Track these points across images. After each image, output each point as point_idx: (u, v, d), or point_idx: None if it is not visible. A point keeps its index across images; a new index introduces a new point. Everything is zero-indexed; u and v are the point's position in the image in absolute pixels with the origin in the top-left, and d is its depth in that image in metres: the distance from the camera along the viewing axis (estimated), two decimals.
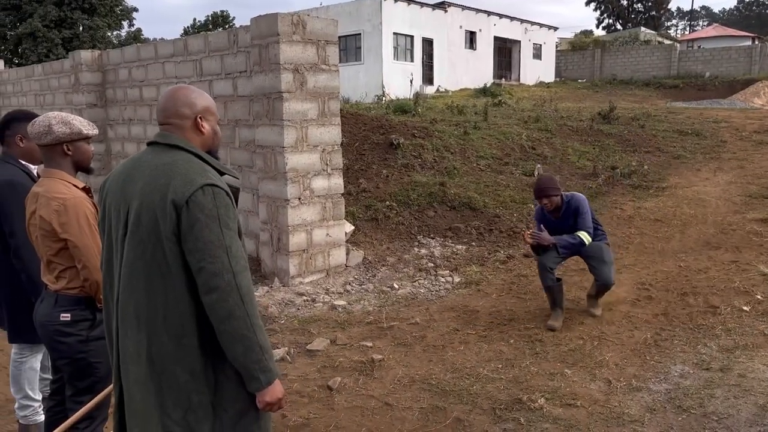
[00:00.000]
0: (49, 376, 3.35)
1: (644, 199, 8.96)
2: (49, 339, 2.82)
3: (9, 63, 30.99)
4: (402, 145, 9.36)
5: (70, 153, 2.80)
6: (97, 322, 2.82)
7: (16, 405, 3.67)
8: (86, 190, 2.86)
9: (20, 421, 3.66)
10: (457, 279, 6.29)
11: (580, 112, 15.20)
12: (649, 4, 57.09)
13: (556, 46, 37.56)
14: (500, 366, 4.40)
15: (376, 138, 9.60)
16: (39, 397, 3.66)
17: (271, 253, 6.32)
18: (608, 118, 13.80)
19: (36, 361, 3.62)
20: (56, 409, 3.07)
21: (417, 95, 15.63)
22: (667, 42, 39.88)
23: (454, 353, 4.65)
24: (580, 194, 5.21)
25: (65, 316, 2.76)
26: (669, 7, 62.31)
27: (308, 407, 3.95)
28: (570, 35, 50.20)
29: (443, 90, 25.69)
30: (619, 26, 57.22)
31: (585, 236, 5.02)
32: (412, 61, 25.68)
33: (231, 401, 2.08)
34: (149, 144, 2.16)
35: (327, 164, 6.38)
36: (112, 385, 2.71)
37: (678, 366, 4.25)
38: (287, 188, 6.05)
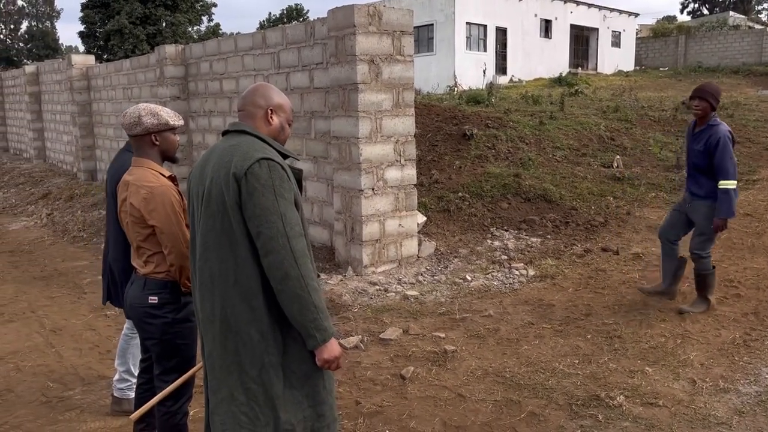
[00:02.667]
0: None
1: None
2: (139, 320, 2.96)
3: (99, 59, 32.69)
4: (475, 135, 9.26)
5: (157, 143, 2.93)
6: (182, 305, 2.94)
7: (116, 377, 3.92)
8: (172, 178, 2.97)
9: (115, 393, 3.91)
10: (531, 272, 6.18)
11: (662, 101, 14.58)
12: None
13: (637, 33, 36.08)
14: (577, 361, 4.30)
15: (448, 129, 9.54)
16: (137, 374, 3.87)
17: (345, 243, 6.41)
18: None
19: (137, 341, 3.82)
20: (145, 386, 3.24)
21: (490, 85, 15.40)
22: (758, 27, 37.52)
23: (529, 347, 4.58)
24: (726, 128, 4.81)
25: (153, 299, 2.89)
26: None
27: (381, 395, 3.99)
28: (651, 21, 48.10)
29: (517, 80, 25.20)
30: (705, 11, 54.36)
31: (726, 185, 4.64)
32: (485, 50, 25.31)
33: (297, 362, 2.26)
34: (224, 133, 2.40)
35: (400, 155, 6.39)
36: (197, 365, 2.84)
37: None
38: (361, 179, 6.11)
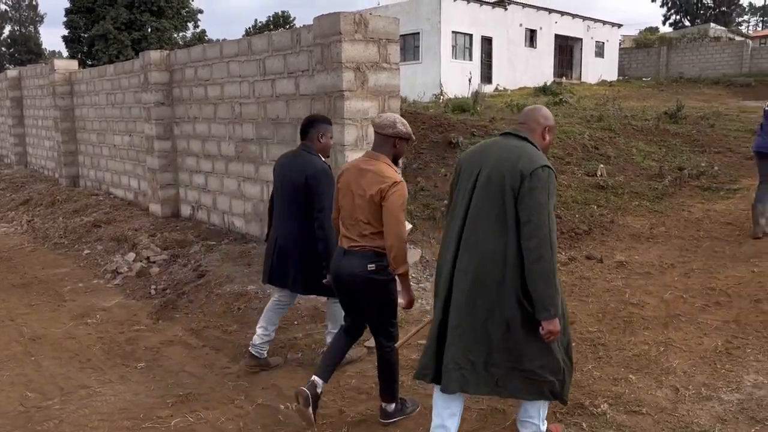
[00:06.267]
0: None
1: (714, 201, 8.61)
2: (360, 285, 3.53)
3: (83, 64, 32.43)
4: (461, 143, 9.29)
5: (396, 147, 3.55)
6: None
7: (329, 340, 4.40)
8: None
9: (253, 351, 4.49)
10: None
11: (644, 111, 14.75)
12: None
13: (620, 44, 36.55)
14: None
15: (434, 137, 9.57)
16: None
17: None
18: (675, 117, 13.34)
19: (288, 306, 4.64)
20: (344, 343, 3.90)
21: (476, 94, 15.47)
22: (738, 38, 38.18)
23: None
24: None
25: (371, 266, 3.48)
26: (740, 2, 59.66)
27: (366, 404, 3.97)
28: (634, 32, 48.71)
29: (502, 89, 25.39)
30: (687, 23, 55.19)
31: None
32: (470, 59, 25.48)
33: (519, 318, 2.85)
34: (503, 134, 3.08)
35: None
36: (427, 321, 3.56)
37: (751, 375, 4.06)
38: None
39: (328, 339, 4.49)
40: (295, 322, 5.27)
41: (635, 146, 11.02)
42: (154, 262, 7.21)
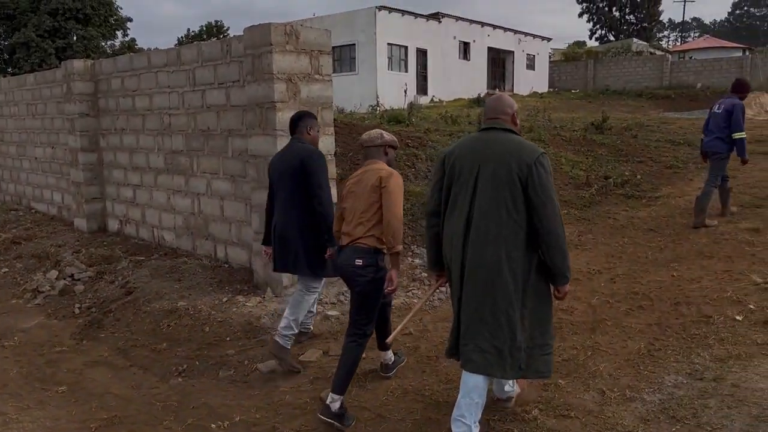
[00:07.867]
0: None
1: (637, 208, 8.97)
2: (348, 278, 3.91)
3: (2, 72, 30.93)
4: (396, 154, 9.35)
5: (387, 154, 4.05)
6: (380, 268, 3.86)
7: (282, 324, 4.50)
8: None
9: (277, 338, 4.49)
10: None
11: (573, 122, 15.25)
12: (641, 15, 57.58)
13: (550, 57, 37.79)
14: None
15: None
16: (297, 329, 4.63)
17: (264, 264, 6.26)
18: (601, 128, 13.86)
19: (314, 297, 4.72)
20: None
21: (411, 105, 15.64)
22: (659, 53, 40.19)
23: (447, 364, 4.60)
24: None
25: (359, 261, 3.83)
26: (661, 18, 62.90)
27: (300, 419, 3.92)
28: (563, 46, 50.56)
29: (437, 100, 25.79)
30: (611, 37, 57.65)
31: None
32: (406, 71, 25.77)
33: (533, 302, 3.22)
34: (485, 129, 3.33)
35: None
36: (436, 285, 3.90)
37: (671, 376, 4.23)
38: None
39: (282, 324, 4.55)
40: (227, 338, 5.15)
41: (564, 156, 11.37)
42: (78, 280, 6.92)
